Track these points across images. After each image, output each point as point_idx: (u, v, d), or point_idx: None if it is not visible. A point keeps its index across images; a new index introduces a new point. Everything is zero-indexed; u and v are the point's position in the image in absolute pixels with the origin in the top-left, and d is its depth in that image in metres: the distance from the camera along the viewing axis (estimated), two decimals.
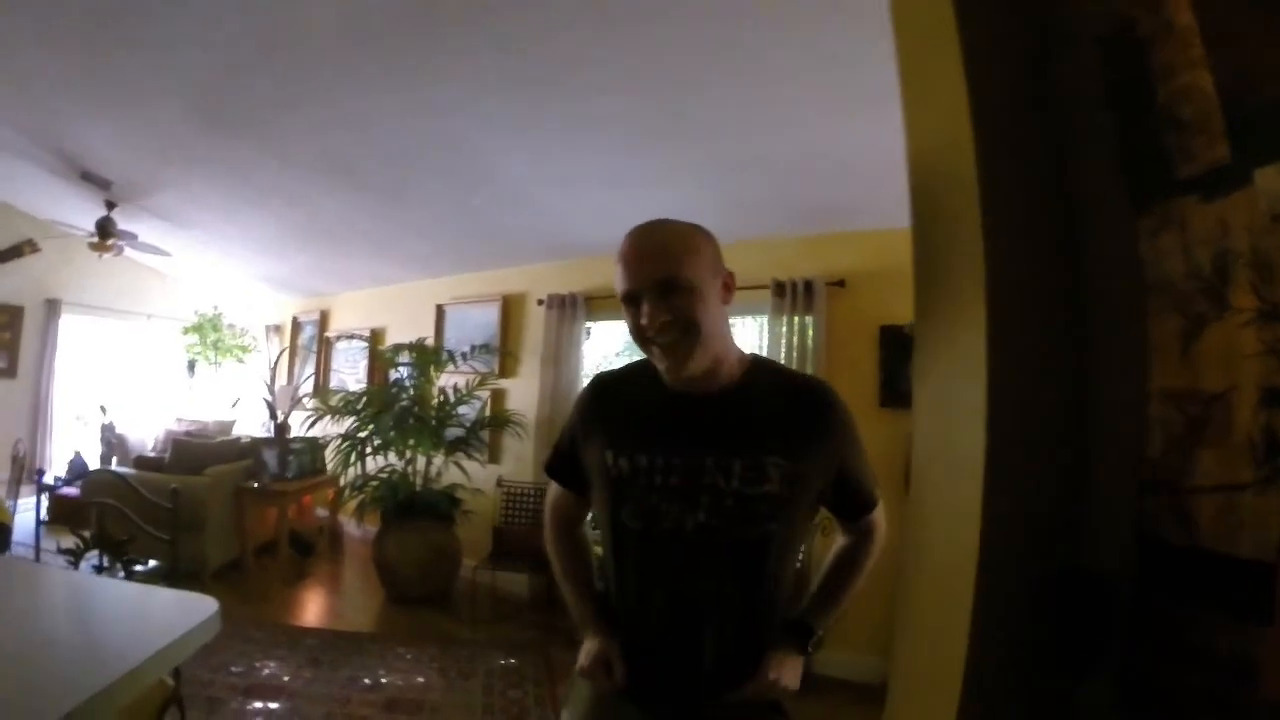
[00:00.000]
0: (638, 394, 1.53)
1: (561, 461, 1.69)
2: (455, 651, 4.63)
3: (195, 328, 9.64)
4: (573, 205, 4.81)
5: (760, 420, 1.43)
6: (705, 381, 1.44)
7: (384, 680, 4.16)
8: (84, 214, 7.29)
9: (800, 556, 1.62)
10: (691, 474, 1.40)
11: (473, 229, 5.57)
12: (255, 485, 6.14)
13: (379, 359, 7.22)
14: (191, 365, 9.88)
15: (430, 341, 6.46)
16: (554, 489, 1.76)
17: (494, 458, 6.14)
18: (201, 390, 10.18)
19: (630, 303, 1.40)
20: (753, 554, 1.42)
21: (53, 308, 9.38)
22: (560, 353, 5.58)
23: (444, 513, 5.57)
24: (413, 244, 6.21)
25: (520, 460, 5.90)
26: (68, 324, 9.54)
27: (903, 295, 4.36)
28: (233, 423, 9.20)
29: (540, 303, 5.82)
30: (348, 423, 5.83)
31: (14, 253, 9.03)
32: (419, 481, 5.70)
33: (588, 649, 1.54)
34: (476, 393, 5.95)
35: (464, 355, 5.93)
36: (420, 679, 4.21)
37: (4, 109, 5.61)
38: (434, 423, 5.64)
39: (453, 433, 5.76)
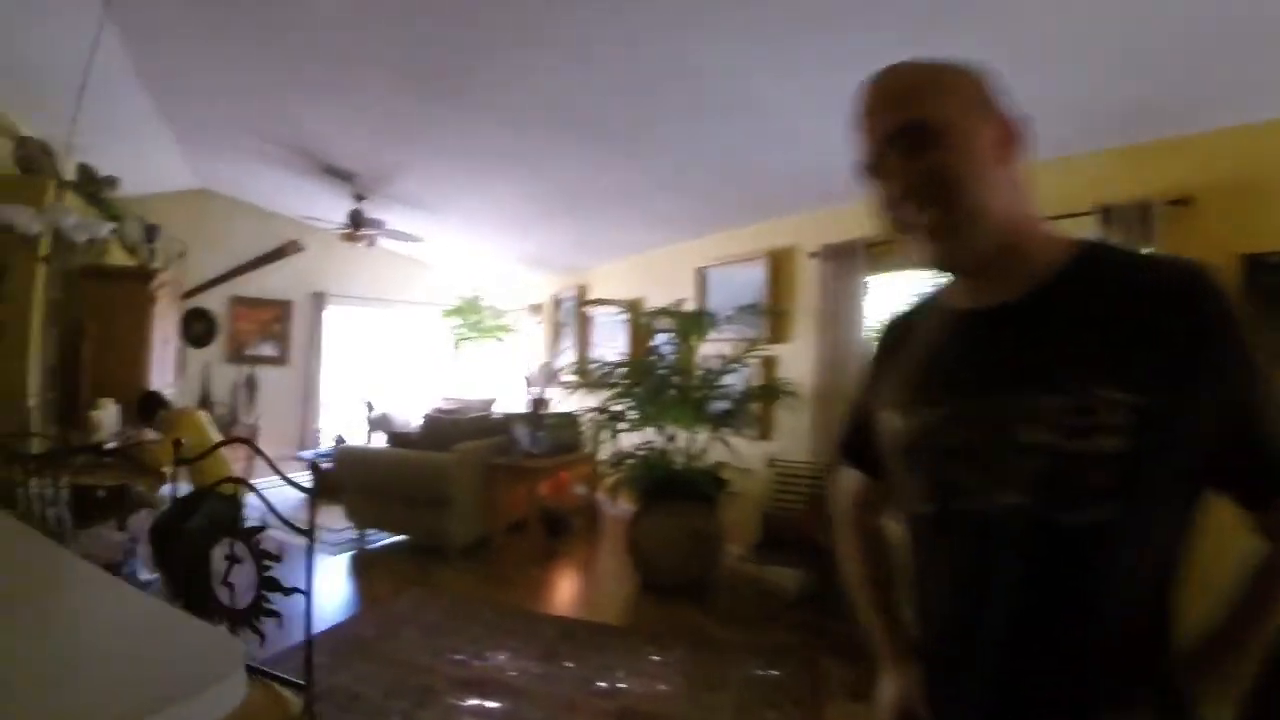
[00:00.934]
0: (926, 328, 1.10)
1: (853, 436, 1.27)
2: (706, 655, 4.01)
3: (456, 311, 9.80)
4: (843, 132, 4.00)
5: (1089, 332, 0.90)
6: (1002, 284, 0.97)
7: (621, 685, 3.63)
8: (338, 209, 7.53)
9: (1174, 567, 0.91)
10: (988, 425, 0.93)
11: (727, 175, 4.94)
12: (506, 461, 5.88)
13: (638, 329, 6.81)
14: (456, 346, 10.07)
15: (690, 307, 5.90)
16: (846, 473, 1.33)
17: (764, 433, 5.47)
18: (464, 370, 10.43)
19: (873, 175, 1.00)
20: (1080, 554, 0.88)
21: (318, 300, 9.94)
22: (838, 312, 4.82)
23: (706, 494, 4.99)
24: (663, 200, 5.69)
25: (794, 436, 5.18)
26: (333, 314, 10.09)
27: (1273, 212, 3.22)
28: (493, 400, 9.24)
29: (813, 256, 5.08)
30: (605, 395, 5.41)
31: (279, 254, 9.65)
32: (680, 459, 5.17)
33: (883, 695, 1.18)
34: (745, 359, 5.30)
35: (727, 318, 5.31)
36: (663, 685, 3.64)
37: (249, 119, 5.93)
38: (696, 394, 5.08)
39: (718, 406, 5.16)
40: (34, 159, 5.42)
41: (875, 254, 4.70)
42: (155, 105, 5.95)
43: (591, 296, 8.55)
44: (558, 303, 9.43)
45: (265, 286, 9.70)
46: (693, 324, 5.36)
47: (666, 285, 6.61)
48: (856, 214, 4.91)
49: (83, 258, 6.36)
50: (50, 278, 5.69)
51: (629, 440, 5.31)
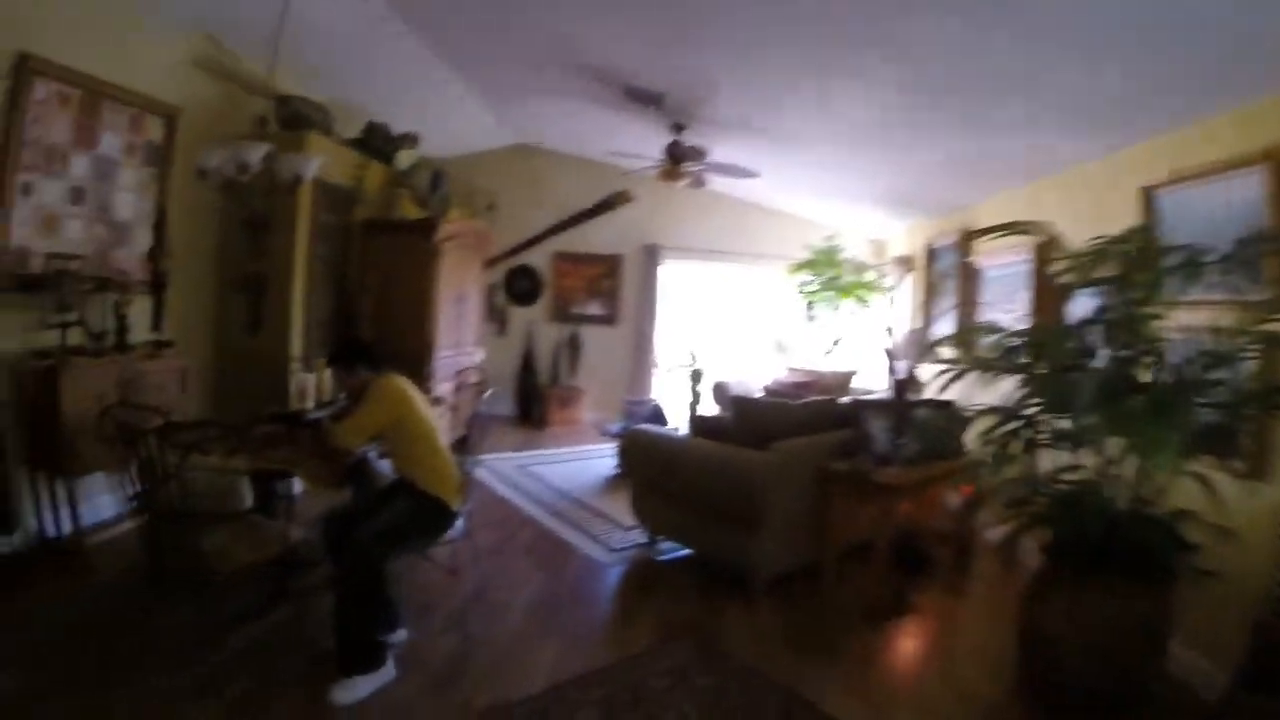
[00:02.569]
0: None
1: None
2: None
3: (807, 264, 8.14)
4: None
5: None
6: None
7: None
8: (658, 147, 6.36)
9: None
10: None
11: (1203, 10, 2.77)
12: (850, 468, 4.21)
13: (1046, 284, 4.68)
14: (809, 308, 8.37)
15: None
16: None
17: (1257, 470, 3.10)
18: (818, 336, 8.63)
19: None
20: None
21: (650, 254, 9.05)
22: None
23: (1159, 560, 2.96)
24: (1086, 76, 3.57)
25: None
26: (668, 269, 9.09)
27: None
28: (852, 374, 7.63)
29: None
30: (1006, 384, 3.44)
31: (606, 205, 8.87)
32: (1124, 500, 3.15)
33: None
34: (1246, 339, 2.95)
35: (1223, 259, 3.04)
36: None
37: (526, 47, 5.14)
38: (1173, 398, 2.92)
39: (1202, 417, 2.94)
40: (300, 117, 4.99)
41: None
42: (435, 54, 5.47)
43: (980, 241, 6.36)
44: (932, 253, 7.42)
45: (592, 241, 9.00)
46: (1156, 271, 3.18)
47: (1089, 219, 4.32)
48: None
49: (373, 211, 5.98)
50: (322, 231, 5.26)
51: (1043, 459, 3.36)
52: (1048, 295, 4.68)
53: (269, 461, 3.12)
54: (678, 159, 6.28)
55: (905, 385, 4.79)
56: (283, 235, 4.89)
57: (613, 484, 6.30)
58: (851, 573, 4.36)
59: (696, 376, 7.09)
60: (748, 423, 4.46)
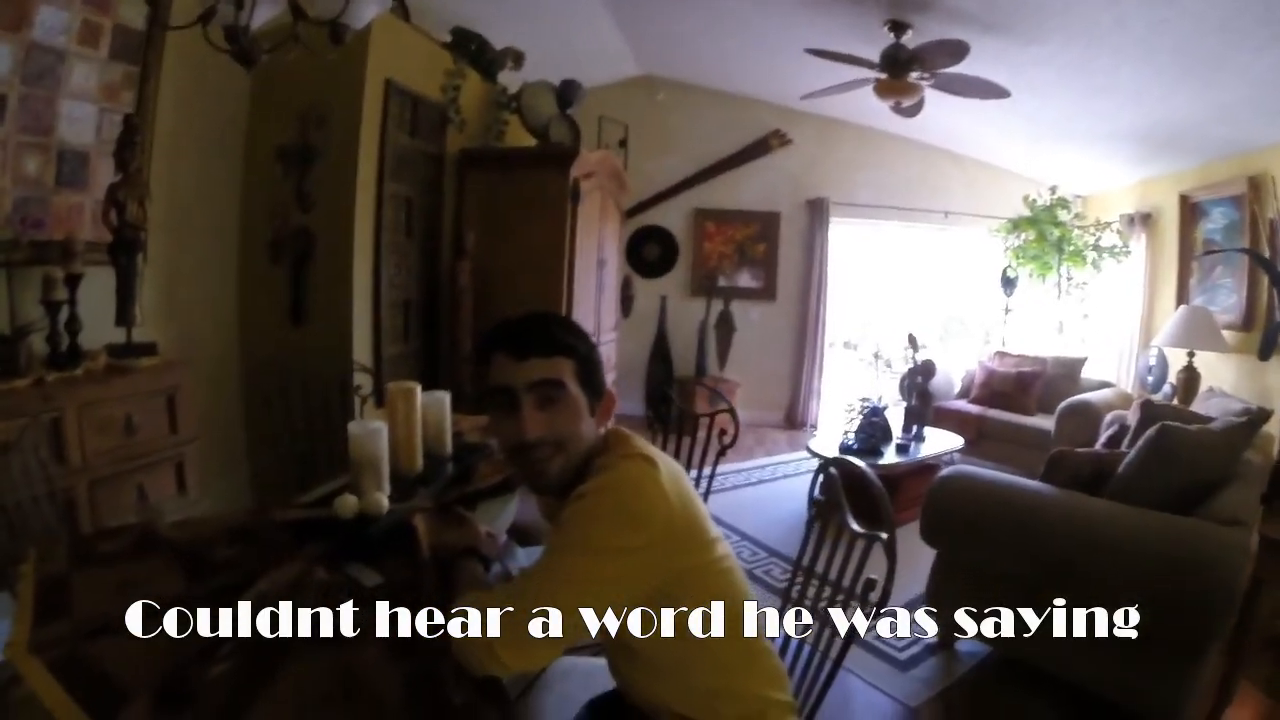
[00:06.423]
0: None
1: None
2: None
3: (1026, 223, 6.33)
4: None
5: None
6: None
7: None
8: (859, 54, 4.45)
9: None
10: None
11: None
12: None
13: None
14: (1008, 280, 6.59)
15: None
16: None
17: None
18: (1029, 312, 6.94)
19: None
20: None
21: (816, 210, 7.10)
22: None
23: None
24: None
25: None
26: (838, 231, 7.16)
27: None
28: (1081, 361, 6.04)
29: None
30: None
31: (758, 149, 6.95)
32: None
33: None
34: None
35: None
36: None
37: None
38: None
39: None
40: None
41: None
42: None
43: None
44: (1191, 209, 5.49)
45: (742, 195, 7.15)
46: None
47: None
48: None
49: (472, 139, 4.31)
50: (399, 161, 3.63)
51: None
52: None
53: None
54: (899, 66, 4.43)
55: None
56: (337, 163, 3.21)
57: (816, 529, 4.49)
58: None
59: (925, 372, 5.10)
60: (1163, 463, 2.53)
